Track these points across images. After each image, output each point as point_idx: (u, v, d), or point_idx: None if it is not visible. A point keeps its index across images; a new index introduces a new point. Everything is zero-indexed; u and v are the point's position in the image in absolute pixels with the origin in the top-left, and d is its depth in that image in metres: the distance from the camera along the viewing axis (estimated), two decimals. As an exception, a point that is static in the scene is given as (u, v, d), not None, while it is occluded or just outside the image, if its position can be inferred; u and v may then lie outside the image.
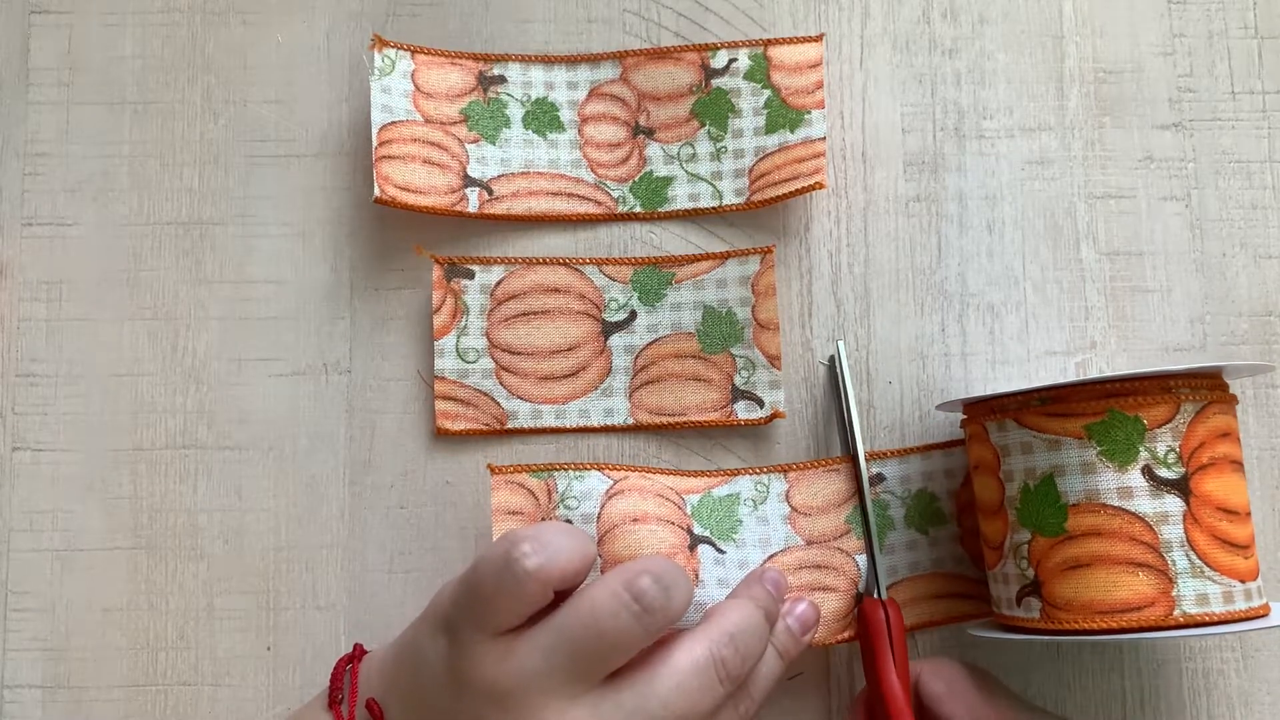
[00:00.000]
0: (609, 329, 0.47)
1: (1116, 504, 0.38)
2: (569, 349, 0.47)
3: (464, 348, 0.46)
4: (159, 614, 0.45)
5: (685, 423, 0.46)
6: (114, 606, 0.45)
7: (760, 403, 0.46)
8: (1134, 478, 0.38)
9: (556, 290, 0.47)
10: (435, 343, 0.46)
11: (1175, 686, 0.45)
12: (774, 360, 0.46)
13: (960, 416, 0.46)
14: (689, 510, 0.44)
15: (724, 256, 0.47)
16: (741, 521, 0.45)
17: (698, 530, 0.44)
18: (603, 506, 0.43)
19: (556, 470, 0.44)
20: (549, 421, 0.46)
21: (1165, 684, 0.45)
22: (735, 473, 0.46)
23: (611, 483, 0.44)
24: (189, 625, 0.45)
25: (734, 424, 0.46)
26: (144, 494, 0.46)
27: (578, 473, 0.44)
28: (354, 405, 0.47)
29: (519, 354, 0.47)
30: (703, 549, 0.43)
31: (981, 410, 0.42)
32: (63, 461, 0.46)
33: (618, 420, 0.46)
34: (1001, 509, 0.40)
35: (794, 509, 0.45)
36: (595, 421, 0.46)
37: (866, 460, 0.45)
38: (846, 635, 0.43)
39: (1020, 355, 0.47)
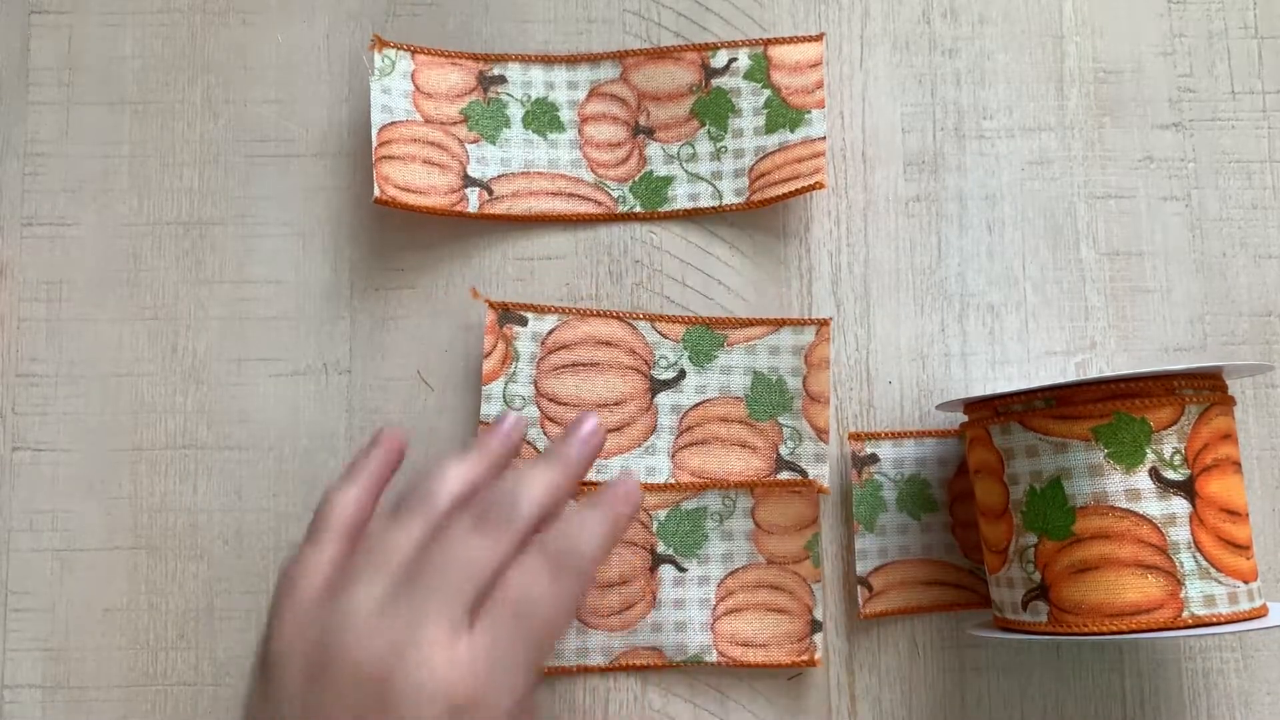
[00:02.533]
0: (657, 387, 0.47)
1: (1124, 506, 0.38)
2: (615, 403, 0.46)
3: (510, 394, 0.46)
4: (159, 614, 0.45)
5: (726, 485, 0.46)
6: (114, 606, 0.45)
7: (804, 475, 0.46)
8: (1141, 480, 0.38)
9: (608, 344, 0.47)
10: (483, 388, 0.45)
11: (1175, 686, 0.45)
12: (821, 434, 0.46)
13: (959, 416, 0.46)
14: (655, 528, 0.45)
15: (779, 323, 0.47)
16: (707, 536, 0.45)
17: (661, 550, 0.45)
18: None
19: None
20: (589, 475, 0.45)
21: (1165, 684, 0.45)
22: (705, 486, 0.46)
23: None
24: (189, 625, 0.45)
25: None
26: (144, 494, 0.46)
27: None
28: (354, 405, 0.47)
29: (565, 404, 0.46)
30: (663, 570, 0.45)
31: (984, 413, 0.42)
32: (63, 461, 0.46)
33: (659, 479, 0.46)
34: (1006, 513, 0.40)
35: (758, 525, 0.45)
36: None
37: (862, 439, 0.46)
38: (803, 660, 0.44)
39: (1020, 355, 0.47)
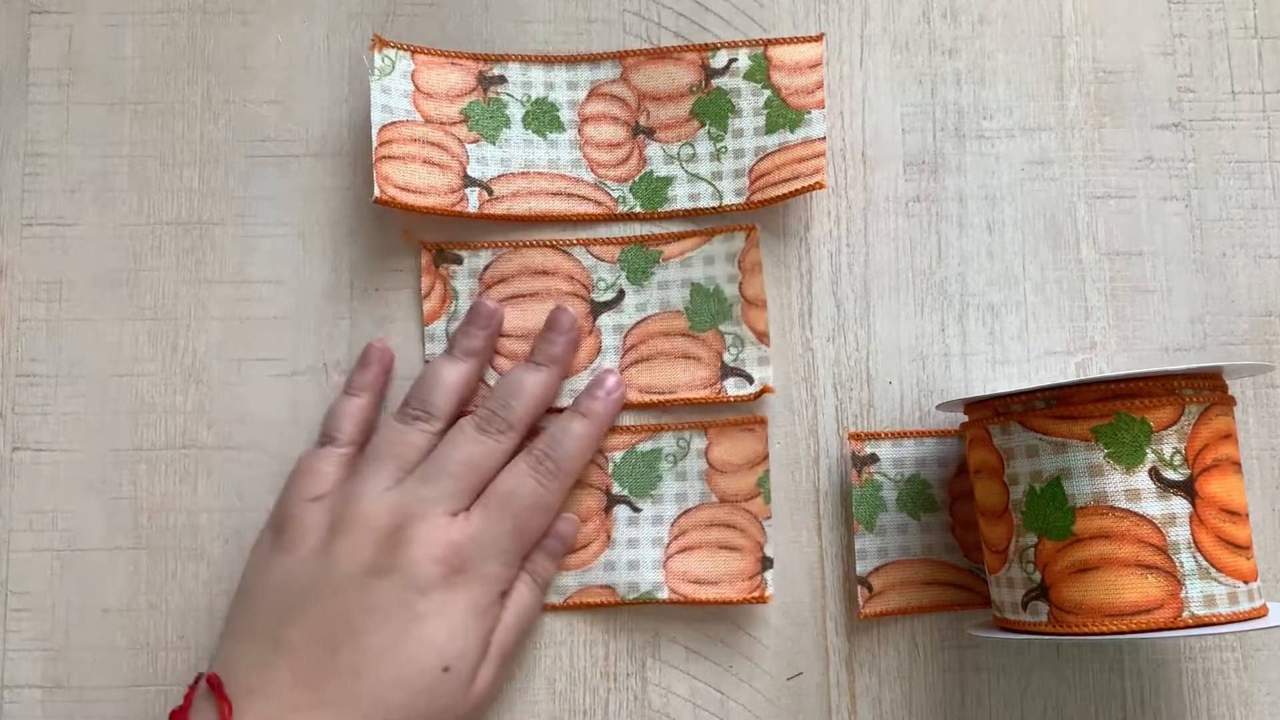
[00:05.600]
0: (598, 309, 0.47)
1: (1124, 506, 0.38)
2: None
3: (454, 333, 0.47)
4: (159, 614, 0.45)
5: (675, 400, 0.47)
6: (114, 606, 0.45)
7: (749, 379, 0.46)
8: (1141, 480, 0.38)
9: (544, 272, 0.47)
10: (425, 328, 0.47)
11: (1175, 686, 0.45)
12: (762, 336, 0.46)
13: (960, 416, 0.46)
14: (611, 469, 0.46)
15: (709, 234, 0.47)
16: (661, 477, 0.46)
17: (616, 490, 0.46)
18: None
19: None
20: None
21: (1165, 684, 0.45)
22: (660, 428, 0.46)
23: None
24: (189, 625, 0.45)
25: (724, 400, 0.46)
26: (144, 494, 0.46)
27: None
28: (354, 405, 0.47)
29: (509, 337, 0.47)
30: (618, 510, 0.46)
31: (984, 413, 0.42)
32: (63, 461, 0.46)
33: None
34: (1006, 513, 0.40)
35: (711, 465, 0.46)
36: None
37: (862, 439, 0.46)
38: (754, 596, 0.45)
39: (1020, 355, 0.47)
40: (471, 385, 0.45)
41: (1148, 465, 0.38)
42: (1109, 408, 0.38)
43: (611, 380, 0.46)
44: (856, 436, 0.46)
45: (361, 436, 0.45)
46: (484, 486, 0.43)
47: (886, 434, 0.46)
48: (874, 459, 0.46)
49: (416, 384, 0.45)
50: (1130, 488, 0.38)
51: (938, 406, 0.45)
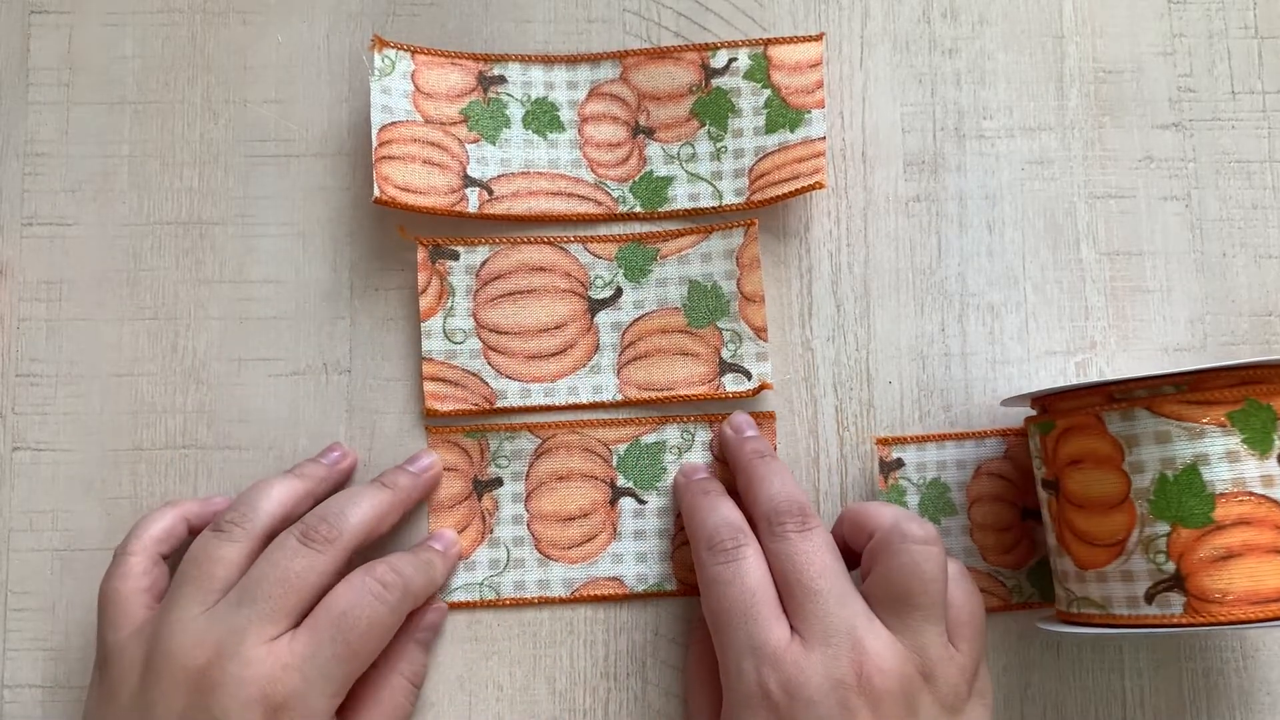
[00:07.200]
0: (595, 306, 0.47)
1: (1261, 492, 0.38)
2: (556, 327, 0.47)
3: (451, 329, 0.47)
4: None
5: (674, 397, 0.47)
6: (114, 606, 0.45)
7: (748, 375, 0.46)
8: (1272, 466, 0.38)
9: (542, 269, 0.47)
10: (422, 324, 0.46)
11: (1175, 686, 0.45)
12: (760, 332, 0.47)
13: (973, 419, 0.46)
14: (615, 462, 0.46)
15: (708, 231, 0.47)
16: (665, 469, 0.46)
17: (621, 483, 0.46)
18: (531, 465, 0.46)
19: (489, 431, 0.46)
20: (538, 400, 0.47)
21: (1165, 684, 0.45)
22: (664, 420, 0.47)
23: (540, 441, 0.46)
24: (189, 625, 0.45)
25: (722, 397, 0.46)
26: (144, 494, 0.46)
27: (509, 433, 0.46)
28: (354, 405, 0.47)
29: (506, 333, 0.47)
30: (623, 502, 0.46)
31: (1093, 399, 0.41)
32: (63, 461, 0.46)
33: (606, 397, 0.47)
34: (1125, 502, 0.39)
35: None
36: (584, 398, 0.47)
37: (889, 444, 0.46)
38: None
39: (1020, 355, 0.47)
40: (301, 506, 0.43)
41: (1276, 451, 0.38)
42: (1240, 393, 0.38)
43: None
44: (884, 441, 0.46)
45: (160, 551, 0.42)
46: (308, 605, 0.39)
47: (912, 438, 0.46)
48: (899, 464, 0.46)
49: (238, 496, 0.42)
50: (1265, 473, 0.38)
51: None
